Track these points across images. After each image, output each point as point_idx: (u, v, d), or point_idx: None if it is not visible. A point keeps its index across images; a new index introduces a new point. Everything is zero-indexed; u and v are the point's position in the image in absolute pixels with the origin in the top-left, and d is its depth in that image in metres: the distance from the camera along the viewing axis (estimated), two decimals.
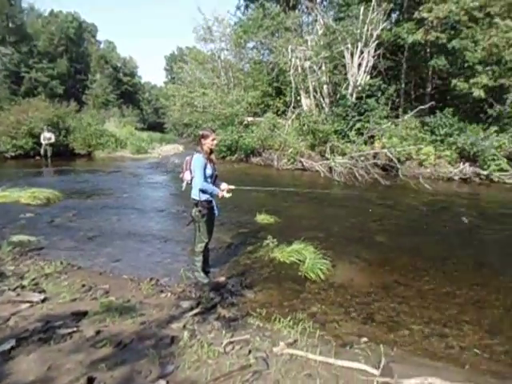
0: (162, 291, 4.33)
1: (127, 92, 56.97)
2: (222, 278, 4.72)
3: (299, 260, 5.31)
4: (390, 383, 2.74)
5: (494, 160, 12.77)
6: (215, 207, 4.61)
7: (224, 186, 4.60)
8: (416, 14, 14.41)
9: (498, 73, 13.54)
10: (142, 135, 27.97)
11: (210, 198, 4.50)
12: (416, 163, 13.92)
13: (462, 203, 10.18)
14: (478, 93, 13.51)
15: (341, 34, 15.49)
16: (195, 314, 3.69)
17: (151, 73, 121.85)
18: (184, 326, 3.40)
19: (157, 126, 49.41)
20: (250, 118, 18.59)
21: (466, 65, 14.10)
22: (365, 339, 3.51)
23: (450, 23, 14.46)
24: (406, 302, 4.38)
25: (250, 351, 3.01)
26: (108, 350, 2.93)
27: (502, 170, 12.66)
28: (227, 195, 4.56)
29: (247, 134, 17.24)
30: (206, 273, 4.74)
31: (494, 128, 13.64)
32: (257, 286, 4.64)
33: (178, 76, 26.69)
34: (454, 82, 14.39)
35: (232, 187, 4.69)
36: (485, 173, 12.81)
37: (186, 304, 3.92)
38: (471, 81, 13.75)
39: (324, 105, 17.28)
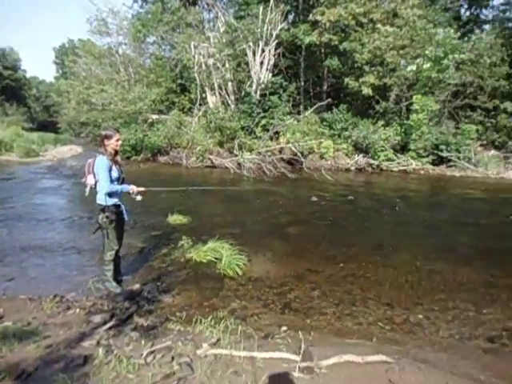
0: (68, 308, 3.94)
1: (9, 88, 50.58)
2: (137, 286, 4.49)
3: (216, 258, 5.30)
4: (310, 367, 2.90)
5: (382, 151, 14.31)
6: (124, 211, 4.34)
7: (133, 188, 4.36)
8: (310, 17, 15.36)
9: (381, 73, 15.16)
10: (32, 136, 25.09)
11: (118, 202, 4.22)
12: (318, 156, 14.91)
13: (360, 191, 11.22)
14: (366, 91, 14.96)
15: (242, 32, 15.78)
16: (109, 328, 3.45)
17: (38, 67, 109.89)
18: (98, 343, 3.15)
19: (49, 126, 44.85)
20: (154, 116, 17.93)
21: (355, 65, 15.49)
22: (284, 328, 3.66)
23: (340, 26, 15.70)
24: (318, 288, 4.66)
25: (172, 358, 2.92)
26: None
27: (389, 159, 14.26)
28: (139, 198, 4.32)
29: (153, 132, 16.62)
30: (118, 282, 4.46)
31: (381, 122, 15.28)
32: (174, 289, 4.51)
33: (71, 71, 24.49)
34: (346, 80, 15.71)
35: (142, 189, 4.46)
36: (376, 163, 14.29)
37: (97, 318, 3.63)
38: (360, 80, 15.17)
39: (230, 102, 17.47)
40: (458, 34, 16.53)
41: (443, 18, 17.42)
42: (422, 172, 13.89)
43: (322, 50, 17.49)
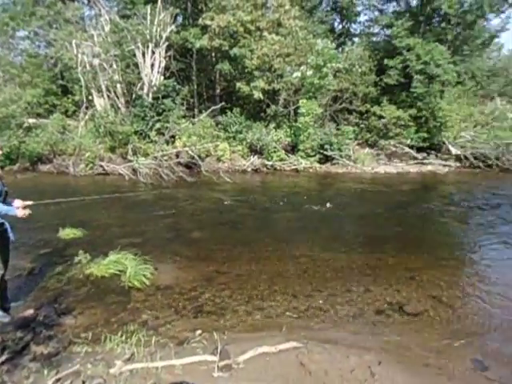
0: None
1: None
2: (30, 311, 4.03)
3: (119, 270, 5.04)
4: (229, 364, 2.99)
5: (275, 152, 15.18)
6: (8, 230, 3.86)
7: (18, 203, 3.86)
8: (200, 21, 15.47)
9: (270, 78, 16.06)
10: None
11: (1, 220, 3.74)
12: (215, 159, 15.11)
13: (258, 190, 11.74)
14: (257, 95, 15.68)
15: (130, 32, 15.11)
16: (2, 363, 3.05)
17: None
18: None
19: None
20: (31, 120, 16.01)
21: (246, 70, 16.10)
22: (199, 331, 3.69)
23: (230, 32, 16.14)
24: (228, 288, 4.79)
25: (83, 382, 2.73)
26: None
27: (282, 159, 15.19)
28: (27, 213, 3.81)
29: (31, 138, 14.82)
30: (6, 310, 3.95)
31: (272, 125, 16.18)
32: (75, 309, 4.17)
33: None
34: (237, 84, 16.23)
35: (29, 203, 3.99)
36: (270, 163, 15.08)
37: None
38: (251, 84, 15.83)
39: (120, 105, 16.56)
40: (334, 44, 18.43)
41: (321, 29, 19.22)
42: (311, 170, 15.15)
43: (213, 55, 17.76)
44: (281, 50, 15.57)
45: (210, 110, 16.46)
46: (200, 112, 17.27)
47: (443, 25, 18.41)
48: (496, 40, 23.30)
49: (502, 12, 18.73)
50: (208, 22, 15.17)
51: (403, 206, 9.89)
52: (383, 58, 17.34)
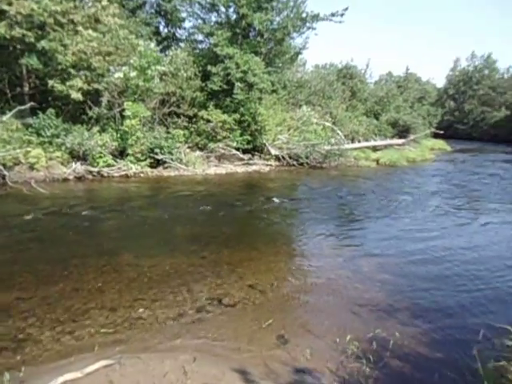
0: None
1: None
2: None
3: None
4: None
5: (101, 157, 14.09)
6: None
7: None
8: None
9: (90, 77, 14.79)
10: None
11: None
12: (26, 167, 13.04)
13: (81, 201, 10.65)
14: (75, 95, 14.21)
15: None
16: None
17: None
18: None
19: None
20: None
21: (60, 67, 14.40)
22: None
23: (37, 22, 14.13)
24: (32, 315, 4.16)
25: None
26: None
27: (109, 165, 14.21)
28: None
29: None
30: None
31: (96, 128, 14.95)
32: None
33: None
34: (51, 83, 14.38)
35: None
36: (95, 169, 13.92)
37: None
38: (68, 83, 14.26)
39: None
40: (159, 47, 18.25)
41: (145, 31, 18.79)
42: (142, 175, 14.65)
43: (17, 46, 15.26)
44: (100, 48, 14.52)
45: (15, 110, 14.09)
46: (3, 113, 14.62)
47: (258, 39, 20.41)
48: (301, 56, 27.33)
49: (303, 33, 22.04)
50: (5, 7, 12.93)
51: (231, 204, 10.52)
52: (207, 64, 18.10)
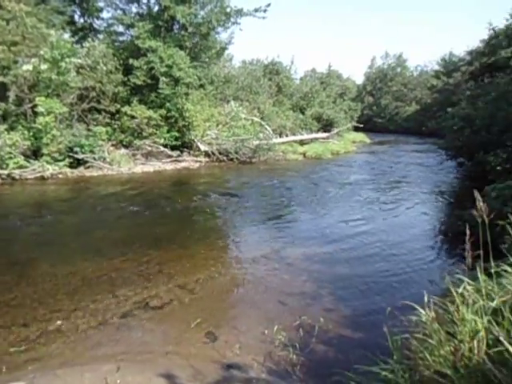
0: None
1: None
2: None
3: None
4: None
5: (11, 158, 12.79)
6: None
7: None
8: None
9: None
10: None
11: None
12: None
13: None
14: None
15: None
16: None
17: None
18: None
19: None
20: None
21: None
22: None
23: None
24: None
25: None
26: None
27: (21, 166, 12.95)
28: None
29: None
30: None
31: (4, 126, 13.49)
32: None
33: None
34: None
35: None
36: (5, 172, 12.60)
37: None
38: None
39: None
40: (74, 38, 16.97)
41: (57, 20, 17.31)
42: (61, 176, 13.58)
43: None
44: (3, 37, 13.12)
45: None
46: None
47: (182, 32, 19.93)
48: (227, 51, 27.29)
49: (228, 28, 21.98)
50: None
51: (159, 202, 10.20)
52: (129, 57, 17.26)
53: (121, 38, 21.40)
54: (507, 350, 2.19)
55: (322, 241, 7.15)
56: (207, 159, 18.18)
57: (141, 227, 7.93)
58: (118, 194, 11.32)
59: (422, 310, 2.51)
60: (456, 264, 5.41)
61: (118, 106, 16.86)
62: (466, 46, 51.97)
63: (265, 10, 19.60)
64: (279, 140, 21.37)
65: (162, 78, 16.81)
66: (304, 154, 20.77)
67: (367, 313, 4.32)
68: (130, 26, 18.80)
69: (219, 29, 21.26)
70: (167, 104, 17.31)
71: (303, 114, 27.03)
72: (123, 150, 16.56)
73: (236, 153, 18.21)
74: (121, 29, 20.93)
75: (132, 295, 4.70)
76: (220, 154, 18.20)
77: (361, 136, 32.46)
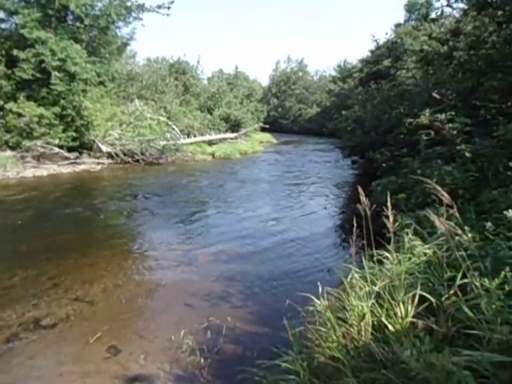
0: None
1: None
2: None
3: None
4: None
5: None
6: None
7: None
8: None
9: None
10: None
11: None
12: None
13: None
14: None
15: None
16: None
17: None
18: None
19: None
20: None
21: None
22: None
23: None
24: None
25: None
26: None
27: None
28: None
29: None
30: None
31: None
32: None
33: None
34: None
35: None
36: None
37: None
38: None
39: None
40: None
41: None
42: None
43: None
44: None
45: None
46: None
47: (78, 24, 18.42)
48: (130, 48, 26.02)
49: (129, 23, 20.92)
50: None
51: (54, 210, 9.28)
52: (13, 48, 15.38)
53: (2, 26, 18.99)
54: (387, 327, 2.45)
55: (232, 239, 7.22)
56: (110, 161, 17.09)
57: (32, 239, 7.11)
58: (2, 202, 10.02)
59: (316, 300, 2.68)
60: (350, 254, 5.92)
61: (1, 102, 14.92)
62: (359, 54, 57.40)
63: (168, 7, 19.17)
64: (187, 140, 21.07)
65: (55, 73, 15.34)
66: (213, 155, 20.79)
67: (272, 307, 4.47)
68: (12, 13, 16.75)
69: (120, 23, 20.18)
70: (62, 101, 15.84)
71: (211, 114, 27.05)
72: (9, 152, 14.70)
73: (142, 154, 17.45)
74: (2, 15, 18.56)
75: (18, 316, 4.19)
76: (124, 155, 17.26)
77: (267, 136, 33.62)
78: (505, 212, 2.24)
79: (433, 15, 10.67)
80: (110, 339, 3.77)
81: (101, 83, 18.52)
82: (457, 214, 2.25)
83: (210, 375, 3.26)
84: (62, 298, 4.64)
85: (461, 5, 9.18)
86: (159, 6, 19.14)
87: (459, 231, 1.94)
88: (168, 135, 19.29)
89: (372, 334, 2.49)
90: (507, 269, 2.13)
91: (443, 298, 2.36)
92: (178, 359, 3.49)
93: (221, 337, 3.81)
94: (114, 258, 6.25)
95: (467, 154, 5.11)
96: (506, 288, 2.10)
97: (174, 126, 20.81)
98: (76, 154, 16.36)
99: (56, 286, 5.01)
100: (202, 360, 3.43)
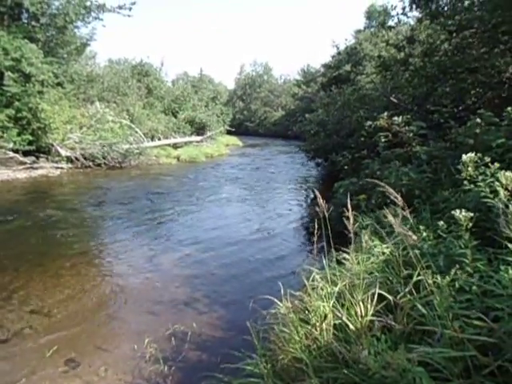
0: None
1: None
2: None
3: None
4: None
5: None
6: None
7: None
8: None
9: None
10: None
11: None
12: None
13: None
14: None
15: None
16: None
17: None
18: None
19: None
20: None
21: None
22: None
23: None
24: None
25: None
26: None
27: None
28: None
29: None
30: None
31: None
32: None
33: None
34: None
35: None
36: None
37: None
38: None
39: None
40: None
41: None
42: None
43: None
44: None
45: None
46: None
47: (33, 23, 17.65)
48: (90, 48, 25.24)
49: (89, 23, 20.26)
50: None
51: (6, 218, 8.79)
52: None
53: None
54: (348, 327, 2.50)
55: (196, 244, 7.14)
56: (70, 165, 16.45)
57: None
58: None
59: (279, 303, 2.69)
60: (313, 255, 6.02)
61: None
62: (323, 59, 58.73)
63: (130, 9, 18.77)
64: (151, 144, 20.67)
65: (8, 74, 14.59)
66: (178, 158, 20.52)
67: (237, 311, 4.45)
68: None
69: (79, 23, 19.54)
70: (16, 103, 15.07)
71: (176, 117, 26.70)
72: None
73: (104, 158, 16.92)
74: None
75: None
76: (85, 159, 16.66)
77: (233, 139, 33.62)
78: (452, 212, 2.36)
79: (390, 23, 11.07)
80: (68, 352, 3.60)
81: (59, 84, 17.80)
82: (408, 215, 2.34)
83: (173, 383, 3.20)
84: (15, 312, 4.40)
85: (415, 13, 9.60)
86: (120, 7, 18.70)
87: (410, 232, 2.01)
88: (131, 138, 18.83)
89: (334, 333, 2.54)
90: (457, 266, 2.24)
91: (399, 296, 2.44)
92: (140, 369, 3.39)
93: (186, 343, 3.75)
94: (72, 268, 5.99)
95: (423, 156, 5.34)
96: (457, 284, 2.21)
97: (137, 129, 20.35)
98: (33, 158, 15.61)
99: (8, 299, 4.74)
100: (166, 368, 3.35)
